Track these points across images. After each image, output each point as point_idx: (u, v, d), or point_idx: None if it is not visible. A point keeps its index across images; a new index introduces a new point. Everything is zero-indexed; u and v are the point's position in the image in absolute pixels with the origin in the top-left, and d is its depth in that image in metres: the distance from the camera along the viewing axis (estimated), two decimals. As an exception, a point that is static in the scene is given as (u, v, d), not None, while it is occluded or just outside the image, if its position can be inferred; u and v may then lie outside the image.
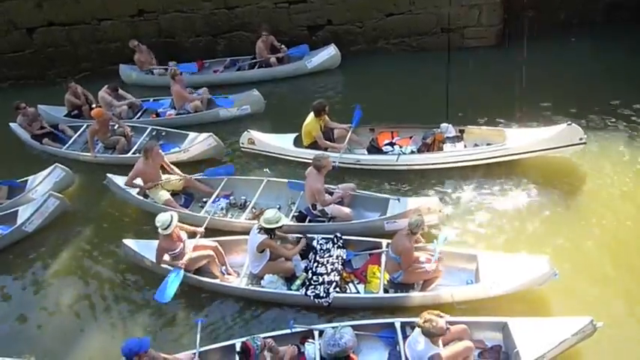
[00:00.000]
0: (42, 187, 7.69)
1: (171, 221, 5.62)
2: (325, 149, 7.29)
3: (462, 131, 7.33)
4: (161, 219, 5.65)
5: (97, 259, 6.81)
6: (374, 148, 7.38)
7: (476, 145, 7.17)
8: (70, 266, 6.80)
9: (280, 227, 5.64)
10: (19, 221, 7.17)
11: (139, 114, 9.53)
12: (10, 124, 9.23)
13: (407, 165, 7.11)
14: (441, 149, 7.10)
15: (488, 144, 7.09)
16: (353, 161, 7.24)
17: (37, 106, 9.35)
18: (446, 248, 5.49)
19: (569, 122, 6.68)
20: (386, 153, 7.31)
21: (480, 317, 4.86)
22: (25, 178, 8.04)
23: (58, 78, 10.12)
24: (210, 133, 7.97)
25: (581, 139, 6.59)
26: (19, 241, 7.18)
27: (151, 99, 9.83)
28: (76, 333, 5.87)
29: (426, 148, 7.17)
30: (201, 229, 6.14)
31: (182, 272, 5.62)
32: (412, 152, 7.21)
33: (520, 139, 6.86)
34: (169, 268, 5.82)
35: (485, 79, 9.00)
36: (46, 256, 7.00)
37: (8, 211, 7.45)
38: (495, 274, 5.10)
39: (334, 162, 6.99)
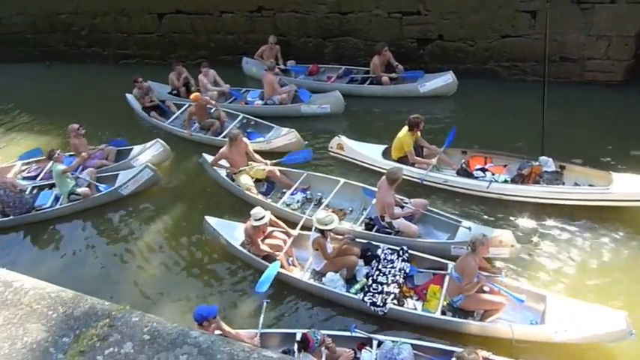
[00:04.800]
0: (142, 157, 8.40)
1: (262, 218, 5.96)
2: (413, 164, 7.17)
3: (562, 167, 6.82)
4: (256, 213, 6.01)
5: (179, 230, 7.27)
6: (464, 172, 7.08)
7: (576, 184, 6.62)
8: (152, 232, 7.33)
9: (330, 230, 5.66)
10: (117, 184, 7.89)
11: (230, 101, 10.12)
12: (127, 95, 10.19)
13: (497, 194, 6.72)
14: (537, 183, 6.64)
15: (590, 185, 6.52)
16: (440, 181, 7.01)
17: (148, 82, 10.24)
18: (515, 283, 5.17)
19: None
20: (476, 178, 6.97)
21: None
22: (131, 147, 8.82)
23: (178, 61, 10.92)
24: (293, 129, 8.26)
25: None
26: (115, 201, 7.89)
27: (243, 89, 10.39)
28: (153, 292, 6.31)
29: (520, 179, 6.74)
30: (295, 232, 6.27)
31: (279, 264, 5.76)
32: (505, 181, 6.81)
33: (628, 186, 6.19)
34: (243, 250, 6.17)
35: (600, 116, 8.19)
36: (134, 219, 7.64)
37: (111, 173, 8.25)
38: (564, 320, 4.74)
39: (420, 178, 6.83)
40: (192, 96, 9.02)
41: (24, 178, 8.78)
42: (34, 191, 8.28)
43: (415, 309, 5.31)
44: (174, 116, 9.76)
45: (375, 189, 6.51)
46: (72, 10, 13.10)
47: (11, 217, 7.78)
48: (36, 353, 2.29)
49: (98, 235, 7.50)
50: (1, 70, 14.41)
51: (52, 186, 8.21)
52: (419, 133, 7.26)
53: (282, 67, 10.51)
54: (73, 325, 2.35)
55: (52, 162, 7.95)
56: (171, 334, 2.13)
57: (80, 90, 12.23)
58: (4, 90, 13.17)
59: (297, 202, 7.10)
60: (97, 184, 7.97)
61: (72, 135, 8.45)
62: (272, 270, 5.61)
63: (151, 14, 12.17)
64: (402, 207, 6.32)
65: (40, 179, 8.67)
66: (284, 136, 8.30)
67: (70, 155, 8.58)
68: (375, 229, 6.35)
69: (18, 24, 14.10)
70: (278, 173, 7.49)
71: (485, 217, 6.60)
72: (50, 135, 10.47)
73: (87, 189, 7.83)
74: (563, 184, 6.62)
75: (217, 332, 4.72)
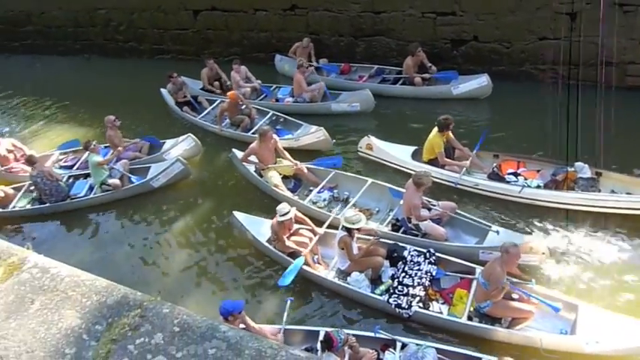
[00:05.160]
0: (174, 151, 8.56)
1: (287, 213, 6.01)
2: (443, 167, 7.08)
3: (598, 174, 6.62)
4: (281, 208, 6.06)
5: (207, 223, 7.38)
6: (496, 176, 6.95)
7: (613, 191, 6.43)
8: (181, 224, 7.46)
9: (357, 229, 5.62)
10: (149, 176, 8.08)
11: (261, 97, 10.20)
12: (161, 89, 10.39)
13: (529, 199, 6.59)
14: (571, 189, 6.47)
15: (628, 193, 6.31)
16: (471, 184, 6.91)
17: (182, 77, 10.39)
18: (545, 291, 5.04)
19: None
20: (508, 182, 6.84)
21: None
22: (164, 140, 9.00)
23: (209, 56, 11.07)
24: (321, 128, 8.27)
25: None
26: (146, 193, 8.07)
27: (274, 86, 10.46)
28: (179, 284, 6.43)
29: (554, 184, 6.59)
30: (321, 230, 6.28)
31: (303, 260, 5.80)
32: (538, 187, 6.66)
33: (668, 195, 5.96)
34: (268, 246, 6.24)
35: (640, 123, 7.95)
36: (164, 212, 7.79)
37: (144, 166, 8.45)
38: (596, 331, 4.60)
39: (454, 182, 6.74)
40: (229, 93, 9.15)
41: (61, 167, 9.09)
42: (70, 180, 8.56)
43: (441, 313, 5.25)
44: (206, 112, 9.91)
45: (403, 190, 6.47)
46: (111, 6, 13.45)
47: (47, 204, 8.04)
48: (70, 339, 2.36)
49: (129, 225, 7.70)
50: (43, 62, 14.90)
51: (87, 176, 8.47)
52: (451, 134, 7.17)
53: (314, 64, 10.51)
54: (106, 313, 2.41)
55: (88, 152, 8.19)
56: (200, 328, 2.17)
57: (117, 83, 12.55)
58: (46, 82, 13.62)
59: (324, 200, 7.12)
60: (130, 175, 8.17)
61: (108, 126, 8.67)
62: (296, 265, 5.64)
63: (187, 11, 12.37)
64: (430, 209, 6.25)
65: (76, 169, 8.97)
66: (312, 134, 8.33)
67: (106, 147, 8.83)
68: (401, 230, 6.32)
69: (60, 18, 14.55)
70: (306, 171, 7.53)
71: (516, 222, 6.47)
72: (87, 126, 10.79)
73: (117, 180, 8.02)
74: (599, 191, 6.43)
75: (241, 326, 4.79)
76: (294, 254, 6.03)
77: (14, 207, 8.26)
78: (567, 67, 9.16)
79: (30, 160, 8.02)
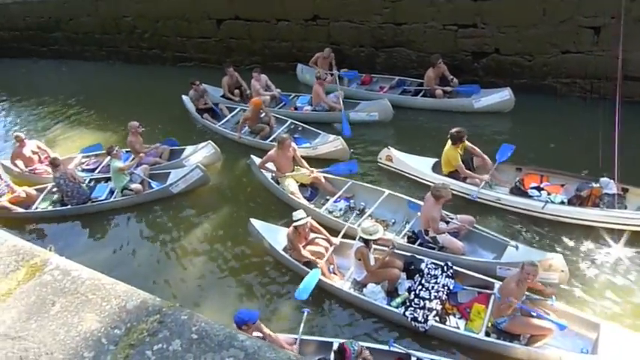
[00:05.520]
0: (193, 158, 8.65)
1: (300, 219, 6.06)
2: (465, 179, 7.01)
3: (625, 190, 6.45)
4: (298, 214, 6.11)
5: (224, 230, 7.42)
6: (518, 190, 6.82)
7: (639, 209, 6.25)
8: (198, 231, 7.51)
9: (375, 240, 5.58)
10: (168, 182, 8.17)
11: (280, 105, 10.29)
12: (183, 96, 10.54)
13: (552, 215, 6.44)
14: (596, 205, 6.30)
15: (654, 210, 6.13)
16: (492, 199, 6.79)
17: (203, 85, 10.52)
18: (565, 308, 4.93)
19: None
20: (531, 197, 6.70)
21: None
22: (184, 147, 9.11)
23: (229, 64, 11.19)
24: (339, 137, 8.32)
25: None
26: (165, 198, 8.16)
27: (292, 94, 10.55)
28: (195, 289, 6.45)
29: (578, 200, 6.43)
30: (337, 240, 6.28)
31: (319, 271, 5.78)
32: (562, 202, 6.51)
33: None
34: (284, 254, 6.24)
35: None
36: (182, 217, 7.85)
37: (164, 171, 8.56)
38: (618, 351, 4.47)
39: (472, 195, 6.69)
40: (253, 100, 9.26)
41: (83, 170, 9.27)
42: (92, 183, 8.71)
43: (457, 327, 5.16)
44: (226, 119, 10.01)
45: (420, 203, 6.42)
46: (137, 14, 13.75)
47: (69, 206, 8.19)
48: (89, 342, 2.37)
49: (147, 230, 7.77)
50: (69, 66, 15.28)
51: (108, 179, 8.59)
52: (468, 144, 7.11)
53: (334, 73, 10.52)
54: (125, 318, 2.42)
55: (109, 157, 8.33)
56: (218, 336, 2.16)
57: (140, 89, 12.79)
58: (72, 86, 13.97)
59: (340, 209, 7.10)
60: (150, 180, 8.27)
61: (131, 132, 8.81)
62: (312, 278, 5.61)
63: (211, 20, 12.57)
64: (447, 222, 6.19)
65: (98, 172, 9.13)
66: (330, 143, 8.34)
67: (127, 151, 8.97)
68: (417, 242, 6.26)
69: (87, 24, 14.92)
70: (323, 180, 7.53)
71: (538, 238, 6.35)
72: (109, 130, 10.99)
73: (139, 185, 8.14)
74: (625, 207, 6.27)
75: (256, 334, 4.78)
76: (310, 264, 6.02)
77: (36, 208, 8.43)
78: (590, 80, 9.05)
79: (54, 163, 8.19)
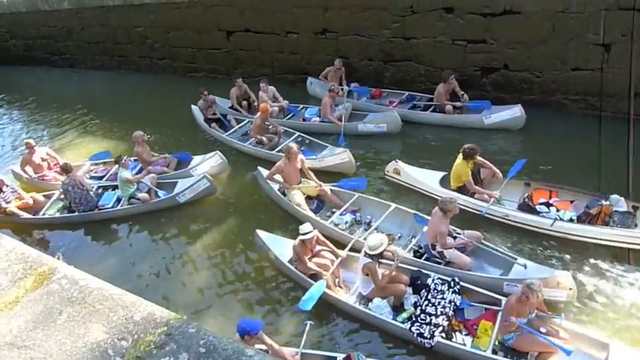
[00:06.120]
0: (201, 168, 8.67)
1: (307, 233, 6.01)
2: (473, 195, 6.97)
3: (635, 208, 6.37)
4: (304, 227, 6.08)
5: (230, 240, 7.40)
6: (527, 206, 6.75)
7: (649, 227, 6.18)
8: (204, 241, 7.49)
9: (380, 253, 5.54)
10: (175, 191, 8.19)
11: (288, 117, 10.34)
12: (192, 106, 10.60)
13: (561, 232, 6.36)
14: (606, 224, 6.22)
15: (665, 229, 6.06)
16: (501, 215, 6.73)
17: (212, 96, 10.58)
18: (574, 327, 4.85)
19: None
20: (539, 213, 6.63)
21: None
22: (192, 157, 9.13)
23: (238, 74, 11.28)
24: (346, 149, 8.29)
25: None
26: (171, 208, 8.17)
27: (301, 106, 10.60)
28: (199, 300, 6.42)
29: (587, 218, 6.34)
30: (344, 253, 6.25)
31: (324, 283, 5.75)
32: (571, 220, 6.42)
33: None
34: (290, 266, 6.22)
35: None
36: (188, 227, 7.85)
37: (171, 181, 8.58)
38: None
39: (481, 211, 6.67)
40: (261, 105, 9.31)
41: (91, 178, 9.32)
42: (99, 191, 8.74)
43: (464, 344, 5.09)
44: (233, 130, 10.05)
45: (427, 217, 6.38)
46: (148, 24, 13.92)
47: (76, 213, 8.21)
48: (95, 353, 2.36)
49: (153, 238, 7.77)
50: (80, 75, 15.44)
51: (115, 187, 8.62)
52: (479, 158, 7.09)
53: (345, 87, 10.56)
54: (132, 329, 2.41)
55: (118, 166, 8.37)
56: (226, 350, 2.15)
57: (149, 98, 12.90)
58: (82, 94, 14.09)
59: (346, 222, 7.07)
60: (157, 189, 8.30)
61: (137, 142, 8.85)
62: (317, 289, 5.57)
63: (221, 31, 12.71)
64: (455, 237, 6.14)
65: (106, 180, 9.17)
66: (336, 155, 8.31)
67: (135, 160, 9.02)
68: (424, 257, 6.21)
69: (99, 34, 15.11)
70: (329, 192, 7.52)
71: (546, 256, 6.27)
72: (118, 138, 11.07)
73: (146, 195, 8.16)
74: (636, 226, 6.19)
75: (258, 346, 4.74)
76: (315, 276, 5.99)
77: (44, 214, 8.46)
78: (599, 98, 9.03)
79: (65, 169, 8.25)
